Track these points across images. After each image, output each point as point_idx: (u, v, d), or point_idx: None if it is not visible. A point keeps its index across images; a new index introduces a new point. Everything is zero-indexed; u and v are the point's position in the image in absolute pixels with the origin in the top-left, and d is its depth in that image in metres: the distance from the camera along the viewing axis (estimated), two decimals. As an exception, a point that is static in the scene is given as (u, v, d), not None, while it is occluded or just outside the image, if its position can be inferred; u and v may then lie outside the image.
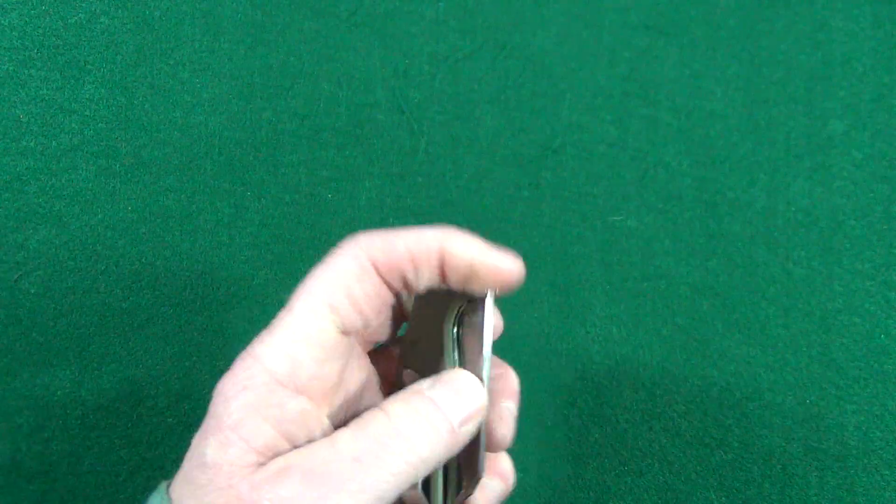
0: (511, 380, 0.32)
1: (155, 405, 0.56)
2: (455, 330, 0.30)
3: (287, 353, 0.27)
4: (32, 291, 0.56)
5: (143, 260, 0.57)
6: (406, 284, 0.30)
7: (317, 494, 0.25)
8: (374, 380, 0.32)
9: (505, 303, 0.30)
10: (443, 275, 0.29)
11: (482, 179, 0.58)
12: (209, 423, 0.27)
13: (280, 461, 0.26)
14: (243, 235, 0.57)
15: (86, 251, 0.57)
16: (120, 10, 0.57)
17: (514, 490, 0.32)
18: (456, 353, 0.30)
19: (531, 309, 0.58)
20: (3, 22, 0.57)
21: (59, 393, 0.56)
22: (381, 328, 0.32)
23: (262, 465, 0.26)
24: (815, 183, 0.58)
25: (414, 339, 0.31)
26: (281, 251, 0.57)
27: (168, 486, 0.27)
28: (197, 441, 0.27)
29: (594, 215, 0.58)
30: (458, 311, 0.30)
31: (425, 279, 0.30)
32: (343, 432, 0.26)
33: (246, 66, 0.58)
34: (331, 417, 0.29)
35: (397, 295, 0.31)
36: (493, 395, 0.31)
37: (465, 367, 0.29)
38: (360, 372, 0.31)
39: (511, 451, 0.31)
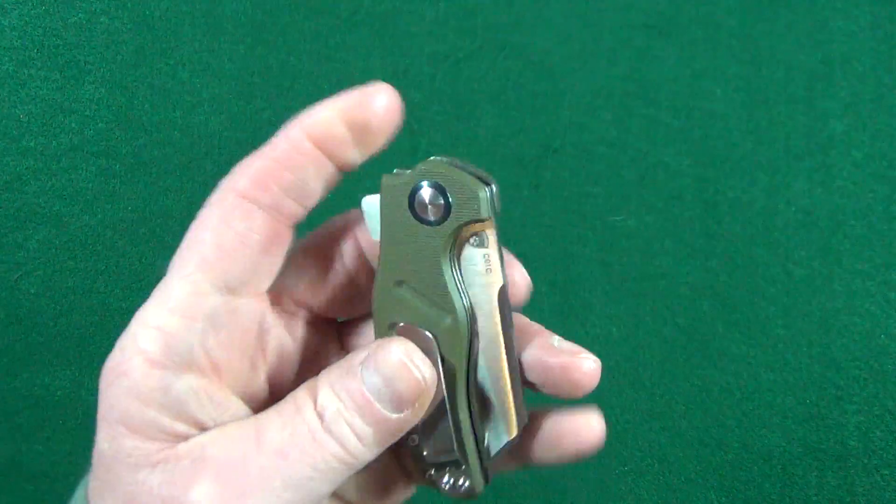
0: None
1: (155, 405, 0.56)
2: (453, 262, 0.26)
3: (158, 328, 0.24)
4: (32, 291, 0.56)
5: (143, 260, 0.57)
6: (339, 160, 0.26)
7: (235, 493, 0.22)
8: (334, 350, 0.28)
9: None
10: (338, 167, 0.26)
11: (482, 179, 0.58)
12: (98, 415, 0.24)
13: (194, 447, 0.23)
14: (243, 235, 0.57)
15: (86, 251, 0.57)
16: (120, 10, 0.57)
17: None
18: (461, 290, 0.25)
19: (531, 309, 0.58)
20: (3, 22, 0.57)
21: (59, 393, 0.56)
22: (319, 282, 0.28)
23: (165, 451, 0.23)
24: (815, 183, 0.58)
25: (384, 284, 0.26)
26: (281, 251, 0.57)
27: (87, 489, 0.25)
28: (96, 434, 0.24)
29: (594, 215, 0.58)
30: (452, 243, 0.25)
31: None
32: (270, 418, 0.24)
33: (246, 66, 0.58)
34: (243, 393, 0.26)
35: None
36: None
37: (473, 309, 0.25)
38: (298, 341, 0.27)
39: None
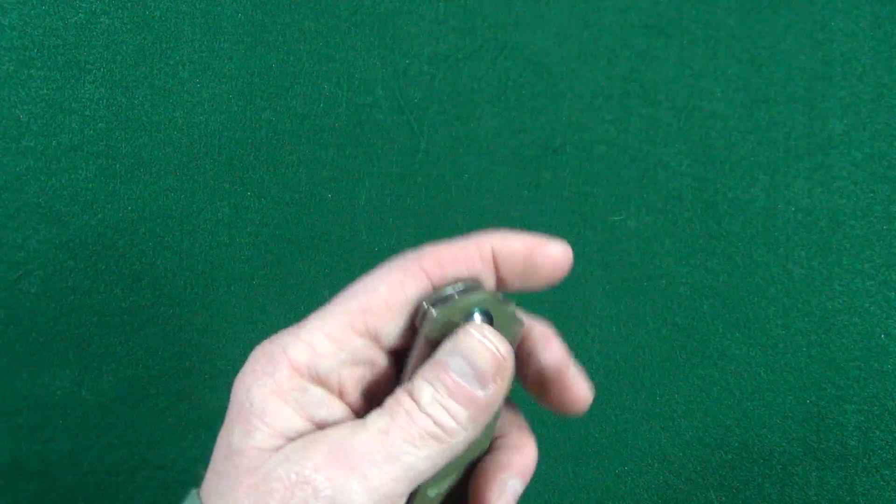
0: (527, 455, 0.32)
1: (155, 405, 0.56)
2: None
3: (309, 344, 0.27)
4: (32, 291, 0.56)
5: (143, 260, 0.57)
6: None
7: (344, 464, 0.25)
8: None
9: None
10: (500, 279, 0.30)
11: (482, 179, 0.58)
12: (232, 413, 0.27)
13: (307, 437, 0.26)
14: (243, 235, 0.57)
15: (86, 251, 0.57)
16: (120, 10, 0.57)
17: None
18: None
19: (531, 309, 0.58)
20: (3, 22, 0.57)
21: (59, 393, 0.56)
22: None
23: (291, 444, 0.26)
24: (815, 183, 0.58)
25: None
26: (281, 251, 0.57)
27: (198, 492, 0.27)
28: (222, 434, 0.27)
29: (594, 215, 0.58)
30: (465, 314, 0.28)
31: (486, 283, 0.30)
32: (372, 413, 0.27)
33: (246, 66, 0.58)
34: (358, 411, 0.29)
35: None
36: (501, 460, 0.31)
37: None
38: (391, 386, 0.30)
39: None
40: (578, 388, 0.31)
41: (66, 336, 0.57)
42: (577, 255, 0.58)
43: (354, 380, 0.28)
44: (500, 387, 0.27)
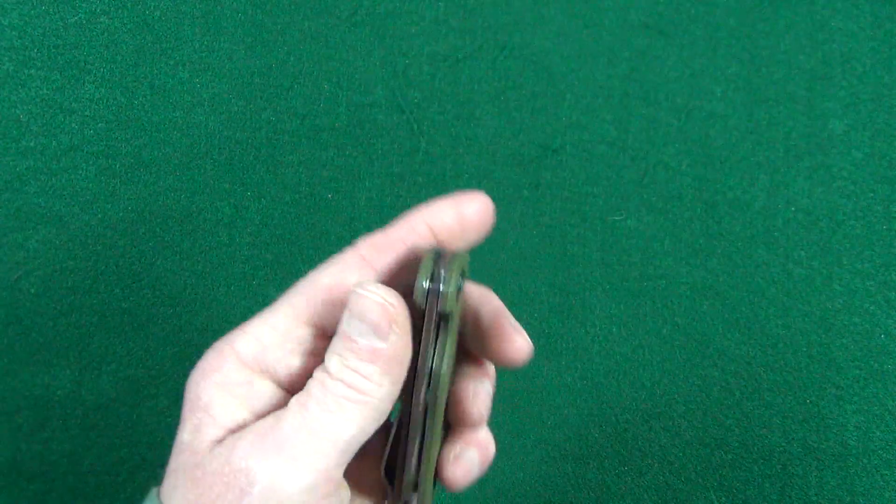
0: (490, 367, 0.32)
1: (155, 405, 0.56)
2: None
3: (255, 337, 0.28)
4: (32, 291, 0.56)
5: (143, 260, 0.57)
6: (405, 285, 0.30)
7: (270, 449, 0.25)
8: None
9: (505, 302, 0.30)
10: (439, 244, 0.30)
11: (482, 179, 0.58)
12: (184, 410, 0.27)
13: (242, 431, 0.26)
14: (243, 235, 0.57)
15: (86, 251, 0.57)
16: (120, 10, 0.57)
17: (495, 464, 0.31)
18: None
19: (531, 309, 0.58)
20: (3, 22, 0.57)
21: (59, 393, 0.56)
22: None
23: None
24: (815, 183, 0.58)
25: None
26: (281, 251, 0.57)
27: (158, 491, 0.27)
28: (178, 432, 0.27)
29: (594, 215, 0.58)
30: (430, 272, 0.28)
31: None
32: (293, 398, 0.27)
33: (246, 66, 0.58)
34: None
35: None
36: (470, 369, 0.31)
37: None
38: None
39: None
40: (517, 338, 0.31)
41: (66, 336, 0.57)
42: (577, 255, 0.58)
43: (304, 370, 0.28)
44: (400, 336, 0.27)
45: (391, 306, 0.27)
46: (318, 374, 0.27)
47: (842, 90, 0.58)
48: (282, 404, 0.28)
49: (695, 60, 0.59)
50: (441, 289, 0.28)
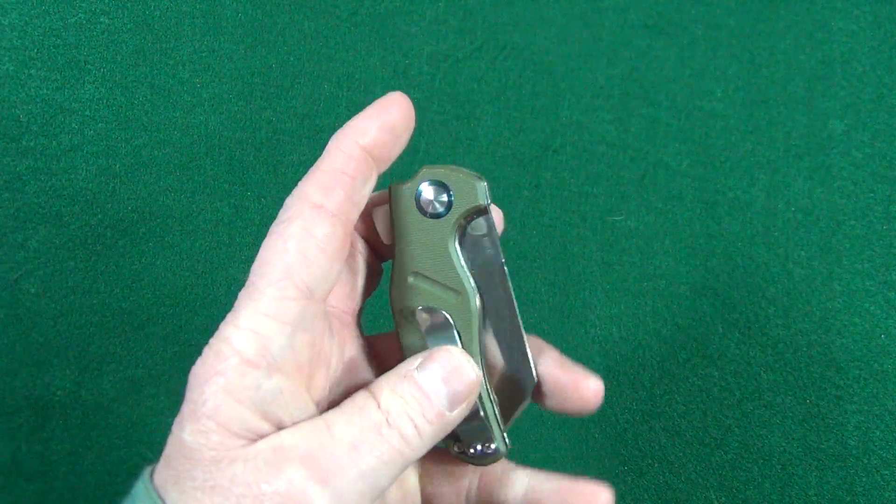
0: None
1: (155, 405, 0.56)
2: (457, 248, 0.29)
3: (252, 331, 0.26)
4: (32, 291, 0.56)
5: (143, 260, 0.57)
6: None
7: (319, 478, 0.25)
8: (362, 357, 0.31)
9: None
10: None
11: (482, 179, 0.58)
12: (185, 410, 0.26)
13: (273, 441, 0.25)
14: (243, 235, 0.57)
15: (86, 251, 0.57)
16: (120, 10, 0.57)
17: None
18: (467, 271, 0.29)
19: (531, 309, 0.58)
20: (3, 22, 0.57)
21: (59, 393, 0.56)
22: (352, 288, 0.31)
23: (245, 447, 0.25)
24: (815, 183, 0.58)
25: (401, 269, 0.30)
26: (281, 251, 0.57)
27: (151, 474, 0.26)
28: (175, 426, 0.26)
29: (594, 215, 0.58)
30: (458, 228, 0.29)
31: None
32: (336, 416, 0.26)
33: (246, 66, 0.58)
34: (314, 398, 0.28)
35: (368, 242, 0.31)
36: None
37: (477, 288, 0.29)
38: (341, 347, 0.30)
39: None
40: (592, 380, 0.32)
41: (66, 336, 0.57)
42: (577, 255, 0.58)
43: (309, 351, 0.27)
44: (465, 409, 0.28)
45: (475, 384, 0.27)
46: (369, 407, 0.26)
47: (842, 90, 0.58)
48: (293, 405, 0.27)
49: (695, 60, 0.59)
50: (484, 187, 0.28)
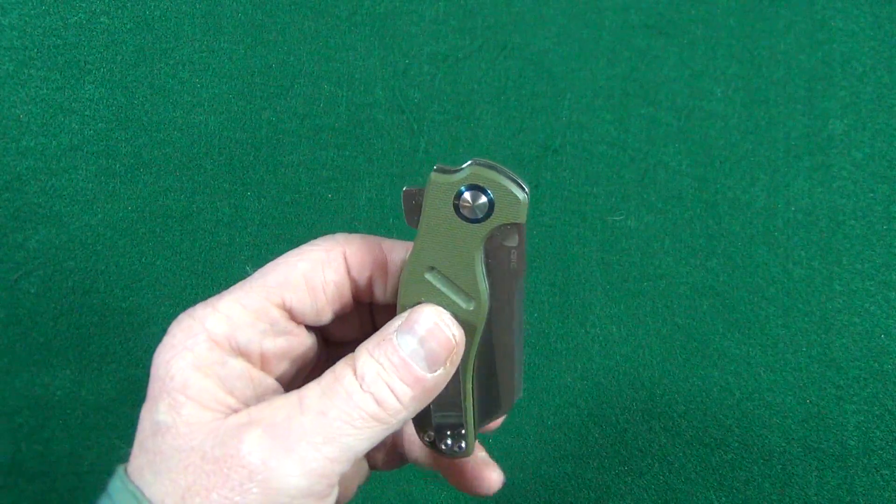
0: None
1: (155, 405, 0.56)
2: (482, 255, 0.28)
3: (226, 315, 0.27)
4: (32, 291, 0.56)
5: (143, 260, 0.57)
6: (372, 292, 0.30)
7: (279, 445, 0.24)
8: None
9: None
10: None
11: (482, 179, 0.58)
12: (154, 388, 0.26)
13: (242, 416, 0.25)
14: (243, 235, 0.57)
15: (86, 251, 0.57)
16: (120, 10, 0.57)
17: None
18: (485, 279, 0.28)
19: (531, 309, 0.58)
20: (3, 22, 0.57)
21: (59, 393, 0.56)
22: (343, 327, 0.31)
23: (215, 421, 0.25)
24: (815, 183, 0.58)
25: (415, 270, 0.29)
26: (281, 251, 0.57)
27: (126, 469, 0.26)
28: (146, 409, 0.26)
29: (594, 215, 0.58)
30: (484, 239, 0.28)
31: (390, 296, 0.29)
32: (312, 387, 0.26)
33: (246, 66, 0.58)
34: (281, 382, 0.29)
35: (367, 303, 0.31)
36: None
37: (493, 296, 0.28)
38: (312, 356, 0.30)
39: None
40: (489, 477, 0.33)
41: (66, 336, 0.57)
42: (577, 255, 0.58)
43: (279, 350, 0.28)
44: (448, 370, 0.27)
45: (456, 344, 0.27)
46: (344, 375, 0.26)
47: (842, 90, 0.58)
48: (258, 384, 0.27)
49: (695, 60, 0.59)
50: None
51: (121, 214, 0.57)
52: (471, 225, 0.27)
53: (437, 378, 0.26)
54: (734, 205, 0.58)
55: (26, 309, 0.56)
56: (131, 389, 0.56)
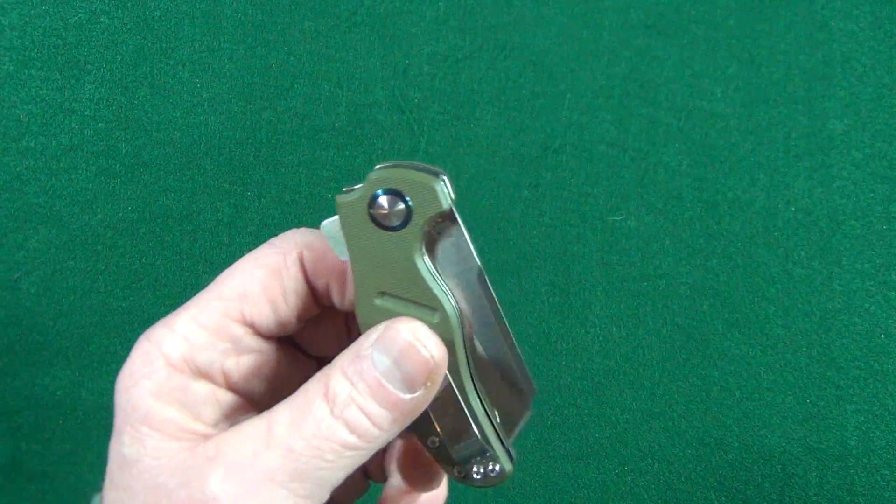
0: None
1: (155, 405, 0.56)
2: (426, 260, 0.25)
3: (183, 337, 0.25)
4: (32, 291, 0.56)
5: (143, 260, 0.57)
6: (329, 295, 0.27)
7: (244, 489, 0.22)
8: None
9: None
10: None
11: (482, 179, 0.58)
12: (118, 419, 0.25)
13: (210, 447, 0.24)
14: (243, 235, 0.57)
15: (86, 251, 0.57)
16: (120, 10, 0.57)
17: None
18: (442, 284, 0.25)
19: (531, 309, 0.58)
20: (3, 22, 0.57)
21: (59, 393, 0.56)
22: (316, 332, 0.29)
23: (182, 453, 0.24)
24: (815, 183, 0.58)
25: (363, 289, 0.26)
26: (281, 251, 0.57)
27: (101, 501, 0.25)
28: (113, 440, 0.25)
29: (594, 215, 0.58)
30: (422, 238, 0.25)
31: (349, 304, 0.27)
32: (281, 411, 0.24)
33: (246, 66, 0.58)
34: (253, 400, 0.27)
35: (328, 305, 0.28)
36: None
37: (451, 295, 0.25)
38: (285, 371, 0.28)
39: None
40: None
41: (66, 336, 0.57)
42: (577, 255, 0.58)
43: (245, 370, 0.26)
44: (429, 391, 0.24)
45: (435, 365, 0.24)
46: (315, 399, 0.23)
47: (842, 90, 0.58)
48: (228, 404, 0.25)
49: (695, 60, 0.59)
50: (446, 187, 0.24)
51: (121, 214, 0.57)
52: (398, 233, 0.25)
53: (416, 400, 0.24)
54: (734, 205, 0.58)
55: (26, 309, 0.56)
56: (131, 389, 0.56)
